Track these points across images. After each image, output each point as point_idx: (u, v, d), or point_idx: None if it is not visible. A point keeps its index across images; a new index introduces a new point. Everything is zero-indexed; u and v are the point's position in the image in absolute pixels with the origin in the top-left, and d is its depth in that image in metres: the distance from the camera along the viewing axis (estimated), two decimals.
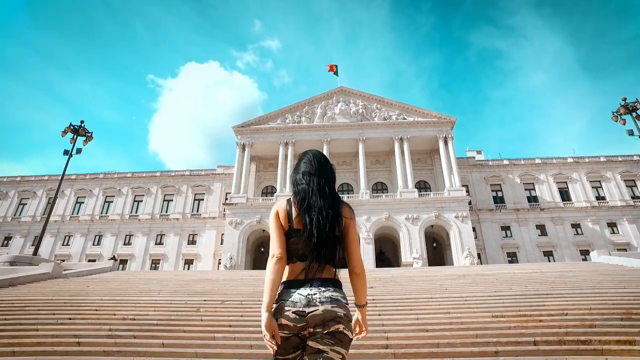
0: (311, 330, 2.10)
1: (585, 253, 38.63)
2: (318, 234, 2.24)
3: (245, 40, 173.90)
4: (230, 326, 7.66)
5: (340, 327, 2.11)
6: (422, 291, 11.84)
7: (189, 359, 5.59)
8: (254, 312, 8.94)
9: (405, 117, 44.16)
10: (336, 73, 48.23)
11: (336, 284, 2.27)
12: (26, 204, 48.52)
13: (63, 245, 44.63)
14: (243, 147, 43.46)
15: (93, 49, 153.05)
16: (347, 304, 2.22)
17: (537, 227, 41.77)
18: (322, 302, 2.14)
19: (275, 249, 2.27)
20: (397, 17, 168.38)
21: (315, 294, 2.17)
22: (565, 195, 43.88)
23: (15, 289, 15.05)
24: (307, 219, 2.28)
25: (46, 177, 49.29)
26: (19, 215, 47.87)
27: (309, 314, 2.10)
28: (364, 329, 2.37)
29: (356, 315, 2.37)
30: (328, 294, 2.18)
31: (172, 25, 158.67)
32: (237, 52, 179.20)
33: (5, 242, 45.70)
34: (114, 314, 8.80)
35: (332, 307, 2.13)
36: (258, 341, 6.56)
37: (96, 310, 9.40)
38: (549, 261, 37.84)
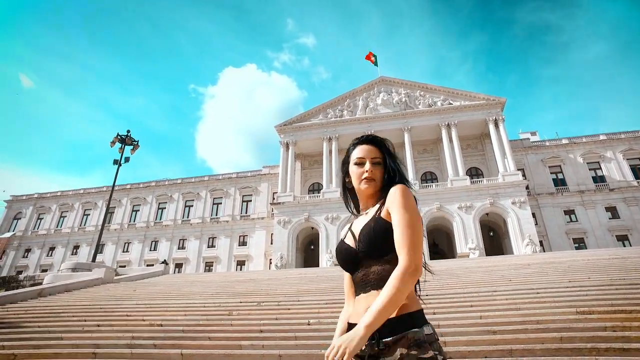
0: None
1: None
2: None
3: (280, 39, 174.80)
4: (261, 331, 6.67)
5: None
6: (482, 283, 10.28)
7: None
8: (290, 314, 7.93)
9: (451, 102, 41.60)
10: (375, 63, 46.50)
11: None
12: (89, 214, 51.15)
13: (123, 252, 46.47)
14: (287, 146, 42.94)
15: (142, 64, 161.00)
16: None
17: (607, 209, 37.65)
18: None
19: (420, 257, 1.53)
20: (437, 1, 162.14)
21: None
22: (638, 172, 39.31)
23: (69, 294, 15.21)
24: None
25: (104, 188, 51.64)
26: (84, 225, 50.55)
27: None
28: None
29: None
30: None
31: (211, 33, 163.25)
32: (272, 52, 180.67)
33: (75, 250, 48.40)
34: (143, 320, 8.12)
35: None
36: (288, 350, 5.50)
37: (127, 315, 8.80)
38: (624, 246, 33.84)
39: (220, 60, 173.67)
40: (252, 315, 8.03)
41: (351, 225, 1.79)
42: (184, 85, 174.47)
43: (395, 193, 1.62)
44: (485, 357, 4.71)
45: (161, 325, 7.58)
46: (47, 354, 6.13)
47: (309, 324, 6.87)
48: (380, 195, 1.73)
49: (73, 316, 9.09)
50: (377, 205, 1.71)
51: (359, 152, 1.81)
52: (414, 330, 1.45)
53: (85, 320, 8.48)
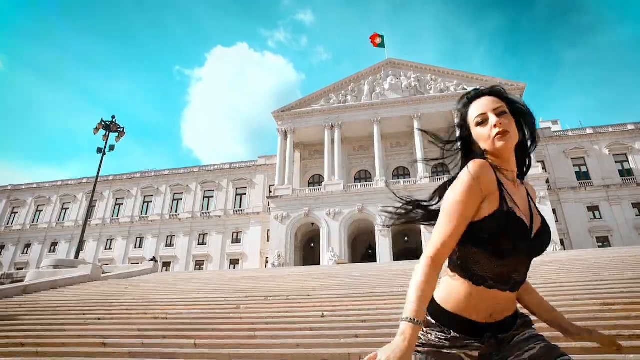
0: None
1: None
2: None
3: (274, 16, 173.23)
4: (274, 323, 7.10)
5: None
6: None
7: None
8: (301, 307, 8.36)
9: (465, 87, 41.89)
10: (382, 45, 46.62)
11: None
12: (68, 208, 51.53)
13: (106, 249, 46.95)
14: (285, 134, 43.26)
15: (124, 47, 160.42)
16: None
17: (634, 205, 38.18)
18: None
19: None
20: None
21: None
22: None
23: (56, 291, 15.64)
24: None
25: (85, 180, 51.97)
26: (63, 220, 50.94)
27: None
28: None
29: None
30: None
31: (197, 8, 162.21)
32: (266, 30, 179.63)
33: (52, 248, 48.85)
34: (145, 314, 8.56)
35: None
36: (305, 339, 5.93)
37: (127, 310, 9.23)
38: None
39: (207, 38, 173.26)
40: (262, 308, 8.46)
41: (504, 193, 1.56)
42: (168, 67, 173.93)
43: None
44: None
45: (166, 319, 8.01)
46: (54, 344, 6.56)
47: (322, 316, 7.31)
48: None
49: (70, 310, 9.52)
50: (525, 190, 1.68)
51: (476, 109, 1.66)
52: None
53: (84, 314, 8.91)
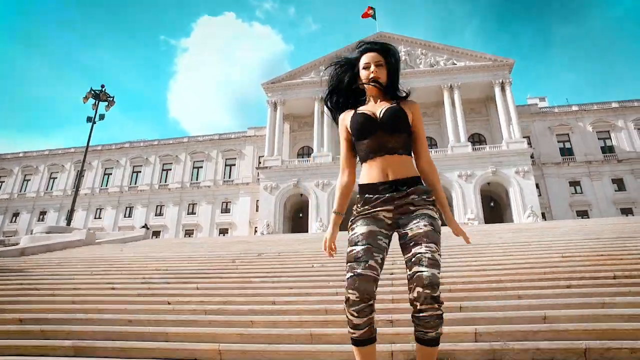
0: None
1: None
2: None
3: None
4: (267, 273, 7.81)
5: None
6: (479, 242, 11.57)
7: (225, 298, 5.73)
8: (292, 262, 9.09)
9: (455, 62, 42.34)
10: (374, 17, 46.51)
11: None
12: (56, 177, 51.51)
13: (95, 218, 47.34)
14: (275, 106, 43.48)
15: (107, 13, 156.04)
16: None
17: (614, 181, 39.60)
18: None
19: None
20: None
21: None
22: None
23: (52, 253, 16.17)
24: None
25: (72, 150, 51.84)
26: (51, 189, 50.98)
27: None
28: None
29: None
30: None
31: None
32: None
33: (41, 217, 49.06)
34: (146, 267, 9.21)
35: None
36: (298, 284, 6.64)
37: (128, 265, 9.88)
38: None
39: (194, 6, 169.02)
40: (256, 263, 9.17)
41: (356, 111, 2.53)
42: (153, 36, 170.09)
43: (418, 108, 2.57)
44: (478, 285, 5.90)
45: (167, 270, 8.67)
46: (67, 288, 7.19)
47: (312, 267, 8.04)
48: (388, 95, 2.55)
49: (76, 264, 10.15)
50: (394, 102, 2.50)
51: (365, 59, 2.53)
52: (422, 185, 2.48)
53: (90, 267, 9.55)
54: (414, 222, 2.31)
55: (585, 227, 16.28)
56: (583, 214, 38.54)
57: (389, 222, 2.39)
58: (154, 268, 8.93)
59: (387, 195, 2.37)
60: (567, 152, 42.17)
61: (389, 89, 2.56)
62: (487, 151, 38.08)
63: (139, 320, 4.79)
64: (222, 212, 44.62)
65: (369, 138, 2.43)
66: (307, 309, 4.97)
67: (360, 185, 2.49)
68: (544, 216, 37.25)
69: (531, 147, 39.91)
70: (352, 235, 2.35)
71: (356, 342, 2.23)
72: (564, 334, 3.64)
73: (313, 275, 7.33)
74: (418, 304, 2.13)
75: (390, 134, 2.41)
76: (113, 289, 7.01)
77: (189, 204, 45.72)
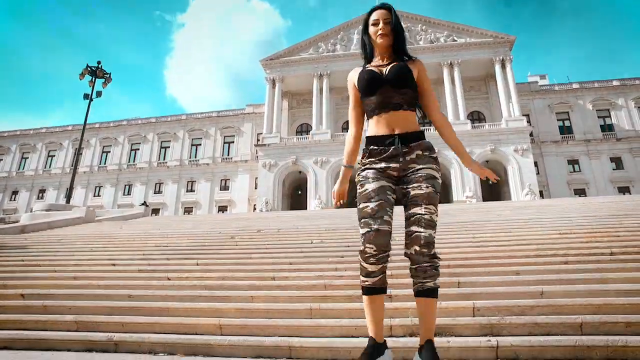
0: None
1: None
2: None
3: None
4: (267, 249, 7.86)
5: None
6: (477, 219, 11.63)
7: (225, 274, 5.78)
8: (292, 238, 9.14)
9: (456, 38, 41.79)
10: None
11: None
12: (54, 155, 51.38)
13: (94, 196, 47.44)
14: (273, 83, 43.07)
15: None
16: None
17: (612, 160, 39.66)
18: None
19: None
20: None
21: None
22: None
23: (53, 231, 16.24)
24: None
25: (70, 128, 51.53)
26: (49, 167, 50.88)
27: None
28: None
29: None
30: None
31: None
32: None
33: (40, 194, 49.14)
34: (146, 244, 9.25)
35: None
36: (297, 259, 6.68)
37: (128, 241, 9.92)
38: None
39: None
40: (255, 239, 9.22)
41: (364, 68, 2.67)
42: (147, 12, 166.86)
43: (423, 66, 2.70)
44: (474, 261, 5.95)
45: (167, 246, 8.72)
46: (68, 264, 7.24)
47: (312, 243, 8.09)
48: (395, 52, 2.64)
49: (76, 241, 10.20)
50: (400, 61, 2.60)
51: (374, 15, 2.63)
52: (425, 141, 2.59)
53: (90, 244, 9.59)
54: (417, 181, 2.45)
55: (583, 204, 16.36)
56: (581, 193, 38.71)
57: (395, 177, 2.53)
58: (154, 244, 8.98)
59: (392, 149, 2.50)
60: (566, 131, 42.06)
61: (396, 48, 2.65)
62: (486, 129, 37.97)
63: (140, 295, 4.83)
64: (221, 190, 44.70)
65: (375, 94, 2.54)
66: (306, 284, 5.01)
67: (368, 138, 2.63)
68: (541, 194, 37.42)
69: (530, 125, 39.79)
70: (363, 191, 2.50)
71: (368, 289, 2.39)
72: (560, 309, 3.68)
73: (312, 251, 7.37)
74: (415, 258, 2.34)
75: (396, 89, 2.52)
76: (114, 265, 7.06)
77: (188, 182, 45.75)
